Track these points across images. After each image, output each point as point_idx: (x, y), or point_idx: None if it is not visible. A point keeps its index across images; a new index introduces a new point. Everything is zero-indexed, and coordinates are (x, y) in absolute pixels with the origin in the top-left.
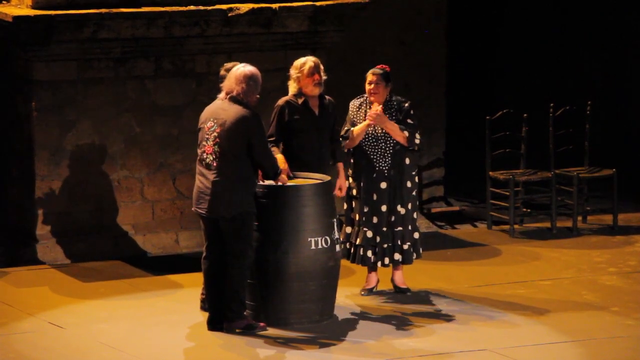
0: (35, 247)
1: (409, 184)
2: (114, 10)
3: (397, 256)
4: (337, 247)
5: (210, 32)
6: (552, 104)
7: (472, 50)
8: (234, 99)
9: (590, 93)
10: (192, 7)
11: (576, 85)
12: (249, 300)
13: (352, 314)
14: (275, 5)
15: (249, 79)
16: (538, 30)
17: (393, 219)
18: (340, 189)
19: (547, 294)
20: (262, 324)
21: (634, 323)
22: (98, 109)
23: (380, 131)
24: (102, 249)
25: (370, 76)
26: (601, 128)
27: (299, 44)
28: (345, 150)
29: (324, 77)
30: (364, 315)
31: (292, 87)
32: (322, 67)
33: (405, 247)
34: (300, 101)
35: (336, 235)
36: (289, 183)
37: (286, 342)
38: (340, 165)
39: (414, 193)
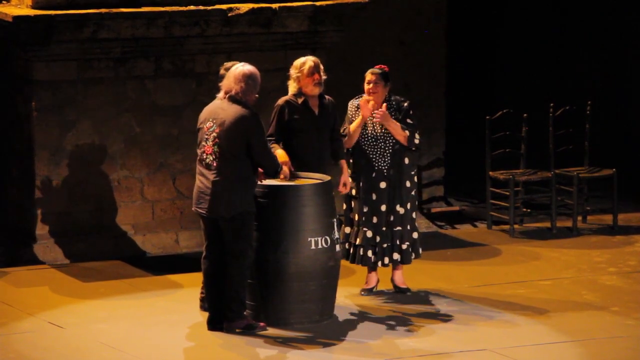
0: (35, 247)
1: (408, 184)
2: (114, 10)
3: (396, 256)
4: (337, 247)
5: (210, 32)
6: (552, 104)
7: (472, 50)
8: (233, 98)
9: (590, 93)
10: (192, 7)
11: (576, 85)
12: (249, 300)
13: (352, 313)
14: (275, 5)
15: (247, 78)
16: (538, 30)
17: (392, 218)
18: (344, 184)
19: (547, 294)
20: (262, 324)
21: (634, 323)
22: (98, 109)
23: (379, 131)
24: (102, 249)
25: (369, 76)
26: (601, 128)
27: (298, 44)
28: (345, 150)
29: (324, 77)
30: (364, 315)
31: (292, 87)
32: (322, 66)
33: (404, 246)
34: (300, 101)
35: (336, 235)
36: (290, 183)
37: (286, 342)
38: (343, 162)
39: (413, 193)
